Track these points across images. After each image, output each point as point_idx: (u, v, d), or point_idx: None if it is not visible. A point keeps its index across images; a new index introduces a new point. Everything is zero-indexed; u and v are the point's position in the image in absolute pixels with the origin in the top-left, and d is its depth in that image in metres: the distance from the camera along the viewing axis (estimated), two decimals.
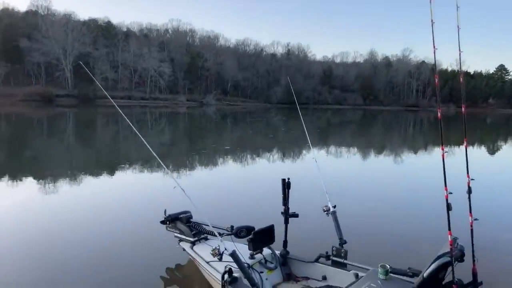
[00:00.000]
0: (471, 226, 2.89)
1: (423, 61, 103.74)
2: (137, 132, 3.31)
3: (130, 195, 8.18)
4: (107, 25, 77.93)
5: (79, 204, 7.24)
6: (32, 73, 64.78)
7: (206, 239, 4.35)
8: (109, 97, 3.53)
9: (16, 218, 6.26)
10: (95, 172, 10.50)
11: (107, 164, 12.05)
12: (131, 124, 3.51)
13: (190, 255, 4.21)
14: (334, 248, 3.64)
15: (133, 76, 74.53)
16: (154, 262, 4.68)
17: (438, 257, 2.58)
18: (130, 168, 11.08)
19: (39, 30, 63.89)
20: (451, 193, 2.59)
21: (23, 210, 6.77)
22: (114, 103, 3.52)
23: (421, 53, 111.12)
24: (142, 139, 3.30)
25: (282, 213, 3.94)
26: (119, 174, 10.31)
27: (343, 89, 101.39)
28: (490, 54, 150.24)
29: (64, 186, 8.63)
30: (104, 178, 9.83)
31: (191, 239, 4.28)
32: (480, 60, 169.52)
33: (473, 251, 2.90)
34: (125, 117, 3.43)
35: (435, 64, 2.60)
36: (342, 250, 3.59)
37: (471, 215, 2.89)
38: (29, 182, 8.99)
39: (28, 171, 10.37)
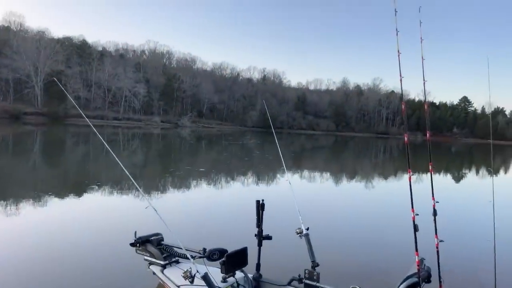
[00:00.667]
0: (437, 247, 3.00)
1: (392, 91, 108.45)
2: (111, 151, 3.27)
3: (100, 216, 7.90)
4: (82, 44, 77.00)
5: (46, 226, 6.92)
6: (0, 89, 62.51)
7: (177, 262, 4.24)
8: (84, 116, 3.46)
9: None
10: (63, 192, 10.09)
11: (76, 185, 11.62)
12: (105, 143, 3.46)
13: (160, 279, 4.09)
14: (306, 271, 3.64)
15: (107, 96, 73.34)
16: (123, 286, 4.51)
17: (407, 278, 2.65)
18: (101, 189, 10.73)
19: (10, 46, 62.24)
20: (417, 214, 2.69)
21: None
22: (89, 122, 3.46)
23: (390, 83, 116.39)
24: (116, 158, 3.26)
25: (255, 235, 3.93)
26: (88, 195, 9.95)
27: (316, 115, 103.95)
28: (454, 86, 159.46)
29: (28, 207, 8.23)
30: (73, 199, 9.46)
31: (162, 262, 4.16)
32: (445, 91, 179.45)
33: (439, 272, 2.99)
34: (99, 136, 3.39)
35: (401, 92, 2.77)
36: (315, 273, 3.60)
37: (436, 237, 3.00)
38: None
39: None
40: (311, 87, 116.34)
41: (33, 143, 26.59)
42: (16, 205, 8.35)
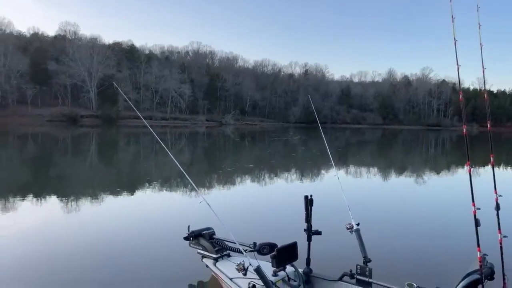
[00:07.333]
0: (501, 243, 2.83)
1: (444, 80, 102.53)
2: (168, 150, 3.44)
3: (155, 211, 8.30)
4: (131, 48, 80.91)
5: (105, 220, 7.42)
6: (59, 94, 67.43)
7: (228, 255, 4.36)
8: (142, 118, 3.69)
9: (40, 236, 6.47)
10: (120, 189, 10.73)
11: (132, 182, 12.32)
12: (162, 144, 3.66)
13: (213, 272, 4.23)
14: (358, 267, 3.59)
15: (154, 97, 76.54)
16: (177, 278, 4.72)
17: (468, 275, 2.53)
18: (154, 185, 11.28)
19: (67, 54, 66.87)
20: (479, 208, 2.55)
21: (47, 228, 7.00)
22: (146, 123, 3.67)
23: (441, 72, 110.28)
24: (172, 157, 3.43)
25: (305, 230, 3.93)
26: (143, 191, 10.52)
27: (361, 108, 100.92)
28: None
29: (87, 203, 8.88)
30: (129, 195, 10.03)
31: (214, 256, 4.30)
32: (503, 79, 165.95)
33: (503, 268, 2.82)
34: (157, 137, 3.57)
35: (459, 81, 2.63)
36: (367, 269, 3.54)
37: (500, 232, 2.84)
38: (54, 201, 9.27)
39: (54, 190, 10.71)
40: (355, 80, 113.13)
41: (90, 144, 28.44)
42: (76, 202, 9.02)
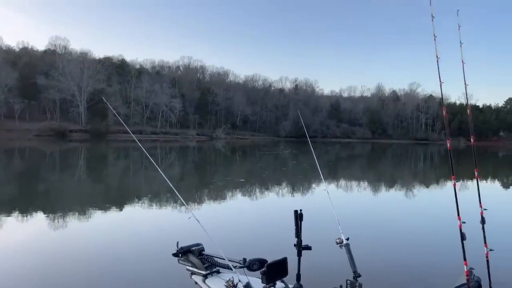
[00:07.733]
0: (487, 256, 2.86)
1: (431, 95, 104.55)
2: (157, 166, 3.43)
3: (143, 227, 8.19)
4: (121, 63, 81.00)
5: (93, 236, 7.28)
6: (47, 109, 66.83)
7: (218, 272, 4.31)
8: (131, 133, 3.67)
9: (28, 252, 6.31)
10: (109, 204, 10.57)
11: (121, 197, 12.16)
12: (151, 159, 3.64)
13: None
14: (348, 282, 3.57)
15: (145, 111, 76.32)
16: None
17: None
18: (143, 201, 11.15)
19: (56, 68, 66.58)
20: (464, 222, 2.59)
21: (36, 243, 6.83)
22: (136, 139, 3.66)
23: (428, 87, 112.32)
24: (161, 172, 3.42)
25: (294, 245, 3.91)
26: (132, 207, 10.38)
27: (351, 122, 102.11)
28: (498, 88, 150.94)
29: (74, 219, 8.70)
30: (118, 211, 9.89)
31: (204, 272, 4.24)
32: (488, 94, 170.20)
33: (490, 282, 2.85)
34: (146, 152, 3.55)
35: (442, 97, 2.71)
36: (357, 284, 3.52)
37: (486, 246, 2.87)
38: (42, 216, 9.09)
39: (42, 205, 10.50)
40: (345, 95, 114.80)
41: (78, 159, 28.08)
42: (64, 217, 8.84)
